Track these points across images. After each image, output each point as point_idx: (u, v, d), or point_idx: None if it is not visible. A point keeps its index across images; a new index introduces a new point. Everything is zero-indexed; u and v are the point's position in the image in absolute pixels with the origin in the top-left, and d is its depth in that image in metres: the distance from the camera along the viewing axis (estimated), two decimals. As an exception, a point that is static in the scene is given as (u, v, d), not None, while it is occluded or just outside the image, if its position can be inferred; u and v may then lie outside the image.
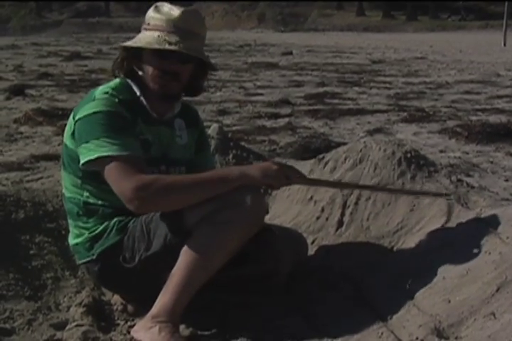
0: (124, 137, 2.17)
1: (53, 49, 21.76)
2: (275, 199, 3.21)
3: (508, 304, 1.87)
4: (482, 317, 1.90)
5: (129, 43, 2.29)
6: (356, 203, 2.79)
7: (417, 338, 1.96)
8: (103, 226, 2.29)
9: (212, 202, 2.10)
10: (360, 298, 2.34)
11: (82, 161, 2.18)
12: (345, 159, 2.99)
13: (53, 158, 4.96)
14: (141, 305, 2.34)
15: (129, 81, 2.34)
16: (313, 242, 2.77)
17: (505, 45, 23.91)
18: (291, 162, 4.03)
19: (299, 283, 2.51)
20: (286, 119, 7.41)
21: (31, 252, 2.71)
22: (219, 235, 2.08)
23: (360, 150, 2.96)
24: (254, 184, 2.13)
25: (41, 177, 4.19)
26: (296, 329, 2.22)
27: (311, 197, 2.96)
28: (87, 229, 2.32)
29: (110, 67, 2.42)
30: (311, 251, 2.71)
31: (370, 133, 6.57)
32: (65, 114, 6.62)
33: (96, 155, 2.14)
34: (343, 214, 2.80)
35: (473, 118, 7.35)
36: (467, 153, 5.55)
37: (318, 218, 2.87)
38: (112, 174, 2.13)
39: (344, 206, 2.81)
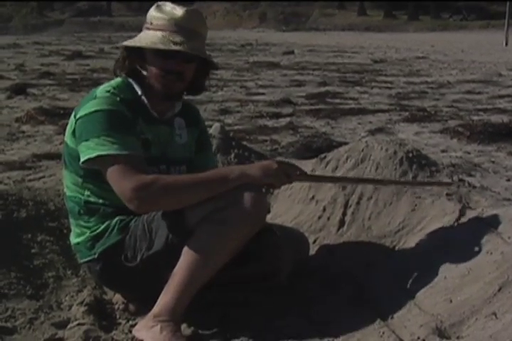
0: (125, 136, 2.17)
1: (55, 48, 21.75)
2: (277, 199, 3.21)
3: (510, 304, 1.87)
4: (483, 317, 1.90)
5: (131, 43, 2.28)
6: (358, 203, 2.78)
7: (418, 338, 1.96)
8: (104, 225, 2.29)
9: (213, 202, 2.10)
10: (361, 298, 2.34)
11: (81, 159, 2.18)
12: (346, 159, 2.99)
13: (55, 157, 4.95)
14: (142, 304, 2.34)
15: (131, 80, 2.34)
16: (314, 242, 2.77)
17: (506, 44, 23.90)
18: (292, 161, 4.03)
19: (301, 282, 2.51)
20: (288, 119, 7.40)
21: (33, 251, 2.71)
22: (220, 234, 2.08)
23: (362, 150, 2.96)
24: (254, 183, 2.13)
25: (43, 177, 4.18)
26: (297, 328, 2.22)
27: (313, 197, 2.96)
28: (88, 228, 2.32)
29: (112, 66, 2.42)
30: (313, 250, 2.71)
31: (372, 132, 6.56)
32: (66, 113, 6.61)
33: (96, 154, 2.13)
34: (344, 214, 2.80)
35: (475, 118, 7.34)
36: (469, 153, 5.54)
37: (319, 217, 2.87)
38: (112, 174, 2.13)
39: (346, 205, 2.81)
